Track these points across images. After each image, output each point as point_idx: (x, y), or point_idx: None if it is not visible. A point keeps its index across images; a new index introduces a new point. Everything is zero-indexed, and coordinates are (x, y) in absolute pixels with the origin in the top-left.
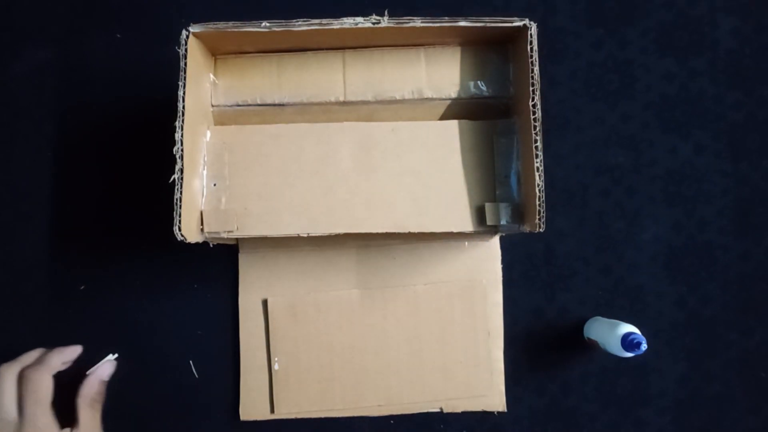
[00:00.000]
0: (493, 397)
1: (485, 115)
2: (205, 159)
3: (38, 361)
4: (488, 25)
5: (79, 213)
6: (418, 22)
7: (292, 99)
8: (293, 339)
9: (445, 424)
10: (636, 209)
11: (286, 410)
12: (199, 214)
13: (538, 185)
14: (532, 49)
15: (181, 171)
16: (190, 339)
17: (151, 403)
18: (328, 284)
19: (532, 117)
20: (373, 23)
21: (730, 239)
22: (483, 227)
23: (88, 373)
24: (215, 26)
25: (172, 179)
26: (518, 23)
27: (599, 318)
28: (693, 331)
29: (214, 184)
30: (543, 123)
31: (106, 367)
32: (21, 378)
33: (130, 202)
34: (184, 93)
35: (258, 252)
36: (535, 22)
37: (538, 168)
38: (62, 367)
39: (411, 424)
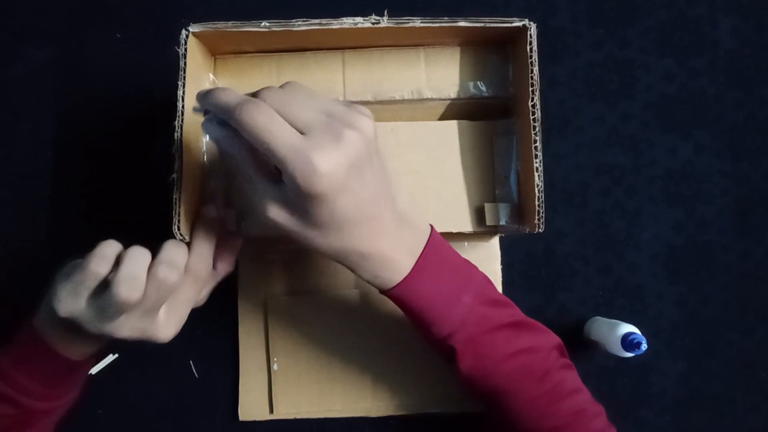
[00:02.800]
0: None
1: (485, 116)
2: (204, 159)
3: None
4: (488, 25)
5: (78, 212)
6: (417, 22)
7: None
8: (292, 339)
9: (445, 424)
10: (636, 209)
11: (285, 411)
12: (197, 214)
13: (538, 185)
14: (531, 49)
15: (180, 170)
16: (190, 339)
17: (151, 403)
18: (328, 284)
19: (531, 117)
20: (373, 23)
21: (730, 239)
22: (482, 227)
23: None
24: (215, 26)
25: (171, 179)
26: (518, 23)
27: (599, 318)
28: (693, 331)
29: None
30: (543, 123)
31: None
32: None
33: (129, 201)
34: (183, 92)
35: (257, 252)
36: (534, 23)
37: (537, 168)
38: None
39: (410, 424)
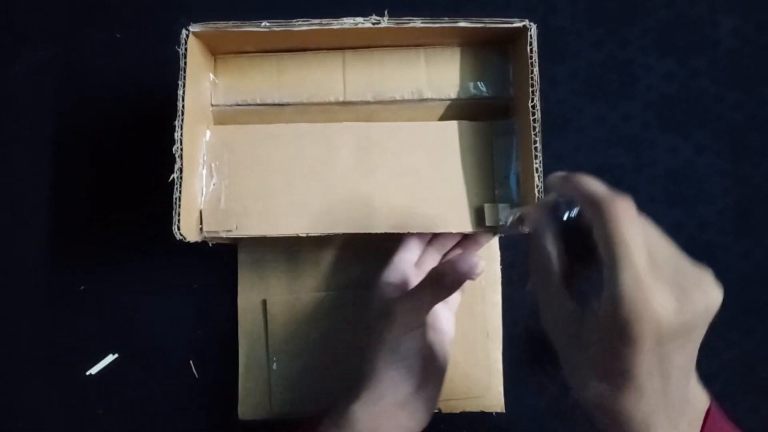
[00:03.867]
0: (492, 398)
1: (485, 116)
2: (205, 158)
3: None
4: (488, 25)
5: (78, 213)
6: (418, 23)
7: (292, 99)
8: (292, 339)
9: (444, 425)
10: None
11: (284, 410)
12: (198, 214)
13: (538, 186)
14: (531, 50)
15: (181, 170)
16: (190, 339)
17: (151, 403)
18: (328, 285)
19: (531, 118)
20: (373, 23)
21: (731, 239)
22: (482, 228)
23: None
24: (215, 26)
25: (171, 178)
26: (518, 24)
27: None
28: None
29: (214, 184)
30: (543, 123)
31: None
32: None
33: (129, 201)
34: (183, 92)
35: (257, 252)
36: (535, 23)
37: (537, 169)
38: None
39: None
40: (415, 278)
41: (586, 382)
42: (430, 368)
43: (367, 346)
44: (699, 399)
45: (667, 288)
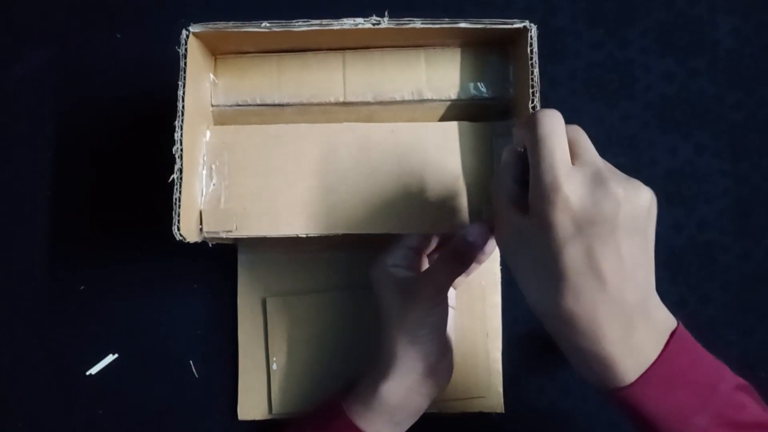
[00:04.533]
0: (491, 399)
1: (485, 117)
2: (205, 159)
3: None
4: (488, 26)
5: (78, 213)
6: (418, 23)
7: (292, 99)
8: (291, 339)
9: (443, 425)
10: None
11: (284, 410)
12: (198, 214)
13: None
14: (532, 51)
15: (181, 171)
16: (190, 339)
17: (151, 403)
18: (327, 284)
19: None
20: (374, 24)
21: (730, 239)
22: None
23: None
24: (215, 26)
25: (171, 179)
26: (518, 25)
27: None
28: (693, 331)
29: (213, 184)
30: None
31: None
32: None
33: (129, 202)
34: (183, 93)
35: (257, 252)
36: (535, 23)
37: None
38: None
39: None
40: (419, 262)
41: (533, 294)
42: (448, 338)
43: (387, 327)
44: (663, 318)
45: (585, 179)
